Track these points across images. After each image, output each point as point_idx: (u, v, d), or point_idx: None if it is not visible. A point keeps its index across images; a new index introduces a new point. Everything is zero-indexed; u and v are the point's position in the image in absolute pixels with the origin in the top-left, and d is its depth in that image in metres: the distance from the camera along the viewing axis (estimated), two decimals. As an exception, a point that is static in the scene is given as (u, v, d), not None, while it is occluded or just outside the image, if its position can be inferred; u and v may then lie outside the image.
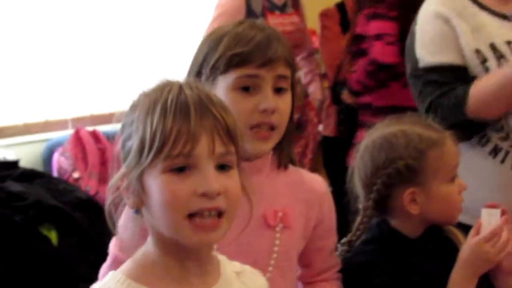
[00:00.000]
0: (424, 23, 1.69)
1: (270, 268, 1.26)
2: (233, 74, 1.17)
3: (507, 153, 1.62)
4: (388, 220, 1.39)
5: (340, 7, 2.96)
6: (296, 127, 2.81)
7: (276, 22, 2.70)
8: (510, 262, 1.35)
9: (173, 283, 0.97)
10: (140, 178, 0.92)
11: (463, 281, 1.34)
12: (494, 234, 1.32)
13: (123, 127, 0.97)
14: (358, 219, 1.40)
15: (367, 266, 1.35)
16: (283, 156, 1.27)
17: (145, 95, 0.96)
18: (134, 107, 0.96)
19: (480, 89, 1.59)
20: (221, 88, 1.17)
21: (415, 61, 1.69)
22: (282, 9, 2.84)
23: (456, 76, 1.65)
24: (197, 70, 1.21)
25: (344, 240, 1.41)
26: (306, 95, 3.06)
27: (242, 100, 1.17)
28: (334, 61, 2.86)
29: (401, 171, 1.35)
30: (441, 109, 1.57)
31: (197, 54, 1.24)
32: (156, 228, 0.95)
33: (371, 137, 1.40)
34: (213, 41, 1.21)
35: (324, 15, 3.00)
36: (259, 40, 1.17)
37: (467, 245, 1.35)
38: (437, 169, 1.35)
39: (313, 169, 2.75)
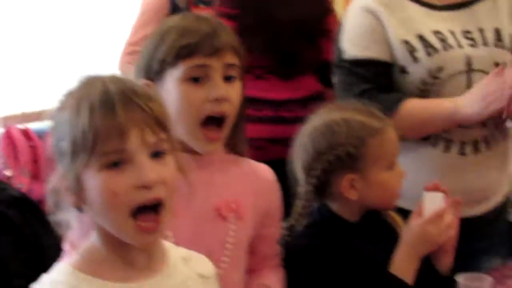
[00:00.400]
0: (352, 17, 1.71)
1: (225, 259, 1.28)
2: (182, 65, 1.18)
3: (438, 137, 1.67)
4: (328, 205, 1.42)
5: None
6: None
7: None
8: (450, 242, 1.40)
9: (120, 272, 0.99)
10: (78, 178, 0.93)
11: (405, 262, 1.38)
12: (438, 216, 1.36)
13: (54, 128, 0.98)
14: (299, 203, 1.42)
15: (309, 249, 1.38)
16: (236, 146, 1.30)
17: (70, 95, 0.96)
18: (61, 108, 0.96)
19: (409, 113, 1.62)
20: (171, 81, 1.20)
21: (340, 51, 1.71)
22: (207, 2, 2.82)
23: (380, 72, 1.68)
24: (146, 66, 1.22)
25: (285, 225, 1.43)
26: None
27: (192, 91, 1.19)
28: None
29: (342, 158, 1.37)
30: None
31: (144, 50, 1.25)
32: (99, 224, 0.97)
33: (313, 123, 1.42)
34: (160, 35, 1.23)
35: None
36: (206, 30, 1.19)
37: (410, 227, 1.38)
38: (377, 156, 1.38)
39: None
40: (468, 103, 1.57)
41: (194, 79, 1.19)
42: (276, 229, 1.36)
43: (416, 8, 1.68)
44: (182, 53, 1.18)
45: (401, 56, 1.66)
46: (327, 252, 1.36)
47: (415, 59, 1.64)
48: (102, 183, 0.91)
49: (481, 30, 1.69)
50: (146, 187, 0.91)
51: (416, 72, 1.65)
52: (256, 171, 1.34)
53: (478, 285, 1.52)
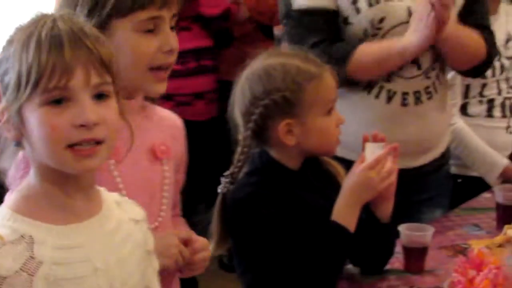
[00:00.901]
0: None
1: (165, 201, 1.34)
2: (136, 17, 1.24)
3: (381, 87, 1.75)
4: (268, 151, 1.46)
5: None
6: None
7: None
8: (390, 189, 1.46)
9: (59, 213, 1.05)
10: (19, 112, 0.99)
11: (347, 209, 1.43)
12: (378, 161, 1.42)
13: (0, 62, 1.03)
14: (238, 149, 1.46)
15: (253, 198, 1.43)
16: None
17: (20, 30, 1.02)
18: (10, 42, 1.02)
19: (364, 55, 1.71)
20: (120, 32, 1.26)
21: (288, 1, 1.77)
22: None
23: (327, 20, 1.75)
24: (87, 12, 1.26)
25: (226, 172, 1.46)
26: None
27: (145, 42, 1.26)
28: None
29: (278, 103, 1.41)
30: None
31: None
32: (37, 159, 1.03)
33: (251, 68, 1.45)
34: None
35: None
36: None
37: (352, 173, 1.44)
38: (313, 102, 1.42)
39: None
40: (410, 34, 1.68)
41: (148, 30, 1.26)
42: (182, 176, 1.44)
43: None
44: (137, 4, 1.25)
45: (344, 6, 1.74)
46: (270, 200, 1.41)
47: (357, 10, 1.73)
48: (43, 117, 0.97)
49: None
50: (86, 126, 0.97)
51: (359, 23, 1.75)
52: (169, 118, 1.42)
53: (420, 234, 1.64)
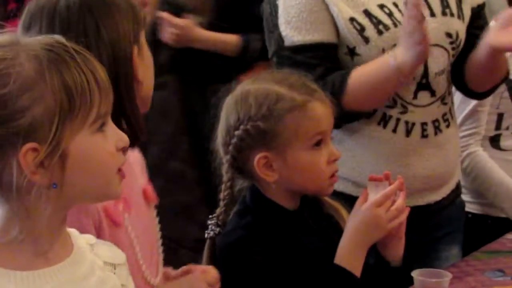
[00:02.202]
0: None
1: (160, 248, 1.31)
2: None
3: (398, 120, 1.64)
4: (259, 189, 1.36)
5: None
6: None
7: None
8: (401, 228, 1.38)
9: (28, 260, 1.03)
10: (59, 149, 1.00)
11: (352, 251, 1.34)
12: (387, 197, 1.33)
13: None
14: (222, 186, 1.37)
15: (245, 242, 1.34)
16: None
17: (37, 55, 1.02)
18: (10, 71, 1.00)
19: (359, 81, 1.59)
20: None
21: (280, 39, 1.65)
22: None
23: (326, 56, 1.64)
24: None
25: (211, 215, 1.38)
26: None
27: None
28: None
29: (251, 133, 1.32)
30: None
31: None
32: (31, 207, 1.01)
33: (232, 94, 1.37)
34: None
35: None
36: None
37: (357, 211, 1.35)
38: (294, 134, 1.34)
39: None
40: (402, 53, 1.55)
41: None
42: None
43: None
44: None
45: (351, 37, 1.63)
46: (264, 245, 1.32)
47: (366, 40, 1.62)
48: (99, 145, 1.00)
49: (427, 1, 1.68)
50: (124, 149, 1.02)
51: (368, 53, 1.63)
52: (133, 154, 1.33)
53: (436, 281, 1.53)
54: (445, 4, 1.67)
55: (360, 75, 1.60)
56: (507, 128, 2.13)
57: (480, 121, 2.12)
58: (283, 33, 1.62)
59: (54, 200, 1.02)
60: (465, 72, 1.73)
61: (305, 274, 1.33)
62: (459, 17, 1.68)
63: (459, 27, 1.68)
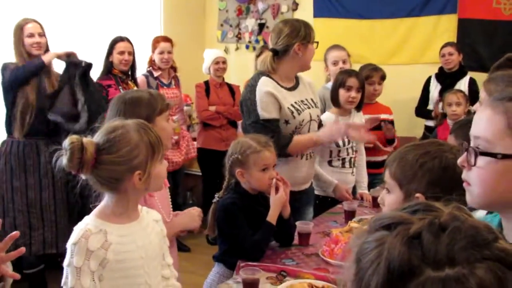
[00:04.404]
0: (261, 97, 2.84)
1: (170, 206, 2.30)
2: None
3: (302, 155, 2.92)
4: (240, 184, 2.49)
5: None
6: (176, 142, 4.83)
7: (164, 92, 4.63)
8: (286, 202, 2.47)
9: (120, 219, 1.64)
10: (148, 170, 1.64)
11: (273, 215, 2.41)
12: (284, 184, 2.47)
13: (131, 150, 1.62)
14: (225, 181, 2.49)
15: (231, 204, 2.41)
16: None
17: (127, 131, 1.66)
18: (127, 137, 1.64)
19: (298, 141, 2.83)
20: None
21: (257, 115, 2.83)
22: (168, 85, 4.71)
23: (277, 125, 2.83)
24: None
25: (217, 194, 2.49)
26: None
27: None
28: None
29: (235, 160, 2.41)
30: (275, 145, 2.55)
31: None
32: (122, 194, 1.64)
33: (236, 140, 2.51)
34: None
35: (196, 86, 5.29)
36: None
37: (272, 198, 2.44)
38: (253, 163, 2.39)
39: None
40: (323, 135, 2.87)
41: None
42: None
43: (283, 90, 2.90)
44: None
45: (287, 115, 2.86)
46: (239, 208, 2.40)
47: (293, 117, 2.87)
48: (163, 169, 1.68)
49: (306, 99, 2.96)
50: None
51: (293, 123, 2.89)
52: None
53: (306, 226, 2.60)
54: (314, 103, 2.98)
55: (297, 139, 2.85)
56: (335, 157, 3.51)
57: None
58: (259, 112, 2.82)
59: (141, 193, 1.70)
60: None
61: (255, 223, 2.37)
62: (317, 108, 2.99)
63: (318, 113, 3.04)
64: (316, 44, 2.97)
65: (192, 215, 2.34)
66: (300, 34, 2.89)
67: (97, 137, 1.63)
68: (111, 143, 1.59)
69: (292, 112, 2.90)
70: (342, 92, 3.47)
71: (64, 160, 1.55)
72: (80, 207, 3.55)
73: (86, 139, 1.58)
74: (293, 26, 2.92)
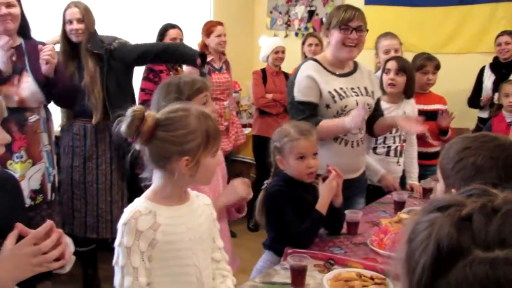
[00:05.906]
0: (300, 79, 2.87)
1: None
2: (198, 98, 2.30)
3: (341, 139, 2.91)
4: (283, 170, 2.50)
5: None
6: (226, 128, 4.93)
7: (215, 77, 4.81)
8: (338, 192, 2.48)
9: (170, 201, 1.67)
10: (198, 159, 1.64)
11: (323, 203, 2.40)
12: (332, 179, 2.49)
13: (186, 135, 1.64)
14: (272, 169, 2.51)
15: (278, 192, 2.42)
16: None
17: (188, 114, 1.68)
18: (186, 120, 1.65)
19: (324, 125, 2.78)
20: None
21: (293, 97, 2.88)
22: (220, 70, 4.76)
23: (313, 108, 2.85)
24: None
25: (267, 181, 2.51)
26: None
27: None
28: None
29: (277, 148, 2.43)
30: None
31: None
32: (188, 179, 1.67)
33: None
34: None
35: (254, 73, 5.34)
36: None
37: (322, 186, 2.45)
38: (291, 151, 2.39)
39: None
40: (348, 121, 2.75)
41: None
42: None
43: (330, 75, 2.89)
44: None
45: (327, 100, 2.85)
46: (286, 195, 2.40)
47: (334, 101, 2.85)
48: (213, 162, 1.69)
49: (358, 87, 2.93)
50: None
51: (334, 107, 2.86)
52: None
53: (355, 215, 2.60)
54: (366, 91, 2.94)
55: (324, 123, 2.82)
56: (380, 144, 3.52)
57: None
58: (295, 94, 2.88)
59: (187, 180, 1.66)
60: (373, 126, 3.02)
61: (302, 210, 2.37)
62: (372, 97, 2.95)
63: (372, 102, 2.97)
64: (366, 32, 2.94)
65: (232, 187, 2.33)
66: (327, 20, 2.95)
67: (160, 113, 1.68)
68: (169, 122, 1.64)
69: (333, 97, 2.89)
70: (384, 77, 3.52)
71: (123, 126, 1.61)
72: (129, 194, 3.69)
73: (148, 112, 1.64)
74: (329, 13, 2.98)
